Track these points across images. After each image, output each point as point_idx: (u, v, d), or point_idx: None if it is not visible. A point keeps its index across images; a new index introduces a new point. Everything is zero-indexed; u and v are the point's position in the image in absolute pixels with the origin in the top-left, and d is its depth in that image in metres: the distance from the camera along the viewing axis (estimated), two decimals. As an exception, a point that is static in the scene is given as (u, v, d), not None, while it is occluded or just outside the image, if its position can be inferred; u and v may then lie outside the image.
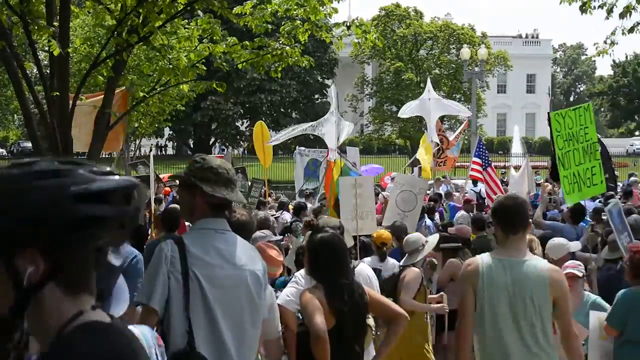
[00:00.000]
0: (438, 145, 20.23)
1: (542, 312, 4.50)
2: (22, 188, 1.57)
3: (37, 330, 1.68)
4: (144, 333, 3.07)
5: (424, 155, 19.59)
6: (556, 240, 7.51)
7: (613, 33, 13.29)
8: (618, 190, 17.84)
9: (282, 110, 59.03)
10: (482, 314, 4.60)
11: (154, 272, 3.66)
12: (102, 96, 13.30)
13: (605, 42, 13.42)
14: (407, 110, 21.58)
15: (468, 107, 42.15)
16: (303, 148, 24.18)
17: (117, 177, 1.66)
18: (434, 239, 8.11)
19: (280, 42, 10.50)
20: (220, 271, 3.72)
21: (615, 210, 8.90)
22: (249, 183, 18.08)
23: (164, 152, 67.14)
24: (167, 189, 19.60)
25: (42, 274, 1.61)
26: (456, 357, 4.87)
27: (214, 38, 10.52)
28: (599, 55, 14.20)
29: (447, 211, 16.97)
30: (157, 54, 11.10)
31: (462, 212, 14.75)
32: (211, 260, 3.73)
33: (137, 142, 48.95)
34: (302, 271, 5.57)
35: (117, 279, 5.40)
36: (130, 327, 3.08)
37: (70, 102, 8.92)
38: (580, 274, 6.69)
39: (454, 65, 53.17)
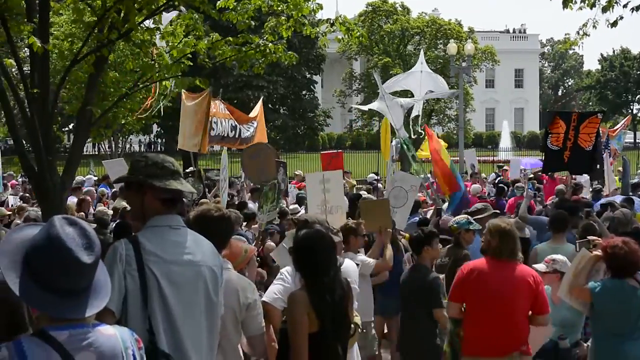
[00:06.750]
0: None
1: None
2: None
3: None
4: (121, 333, 3.01)
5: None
6: None
7: (585, 25, 13.30)
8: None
9: (270, 106, 58.91)
10: None
11: (109, 273, 3.49)
12: (203, 96, 13.35)
13: (577, 34, 13.42)
14: (395, 84, 21.38)
15: (456, 103, 42.20)
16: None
17: None
18: None
19: (264, 38, 10.43)
20: (177, 268, 3.67)
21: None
22: (286, 179, 16.39)
23: (153, 149, 66.93)
24: None
25: None
26: None
27: (197, 34, 10.44)
28: (570, 47, 14.26)
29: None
30: (138, 50, 11.01)
31: None
32: (167, 256, 3.66)
33: (126, 138, 48.73)
34: (289, 268, 5.55)
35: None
36: (110, 327, 3.03)
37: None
38: (546, 269, 6.88)
39: (441, 61, 52.88)
